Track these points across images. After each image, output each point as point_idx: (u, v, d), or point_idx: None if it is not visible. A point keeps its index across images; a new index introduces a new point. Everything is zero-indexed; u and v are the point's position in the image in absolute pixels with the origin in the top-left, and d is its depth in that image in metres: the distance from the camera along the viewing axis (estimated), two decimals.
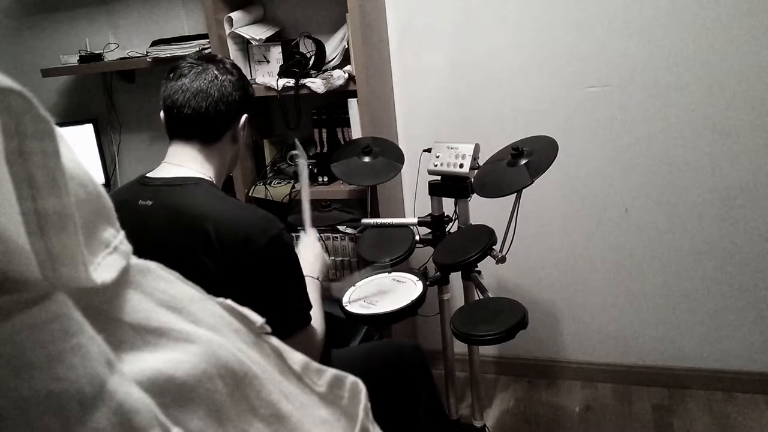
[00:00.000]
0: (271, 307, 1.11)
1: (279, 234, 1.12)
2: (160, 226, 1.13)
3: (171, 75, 1.21)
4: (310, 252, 1.40)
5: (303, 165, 1.45)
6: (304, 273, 1.22)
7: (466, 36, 1.97)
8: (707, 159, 1.87)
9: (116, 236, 0.28)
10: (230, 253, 1.08)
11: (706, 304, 2.00)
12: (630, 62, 1.85)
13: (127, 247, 0.28)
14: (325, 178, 1.97)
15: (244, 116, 1.27)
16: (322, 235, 1.65)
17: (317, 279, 1.36)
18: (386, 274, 1.54)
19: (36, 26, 2.43)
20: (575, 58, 1.89)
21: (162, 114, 1.24)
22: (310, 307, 1.20)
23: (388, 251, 1.61)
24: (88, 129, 2.37)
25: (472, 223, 1.62)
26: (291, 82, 1.85)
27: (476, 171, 1.53)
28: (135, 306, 0.27)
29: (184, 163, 1.21)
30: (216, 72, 1.21)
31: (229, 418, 0.28)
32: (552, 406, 2.08)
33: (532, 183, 1.35)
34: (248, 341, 0.33)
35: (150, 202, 1.15)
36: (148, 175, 1.21)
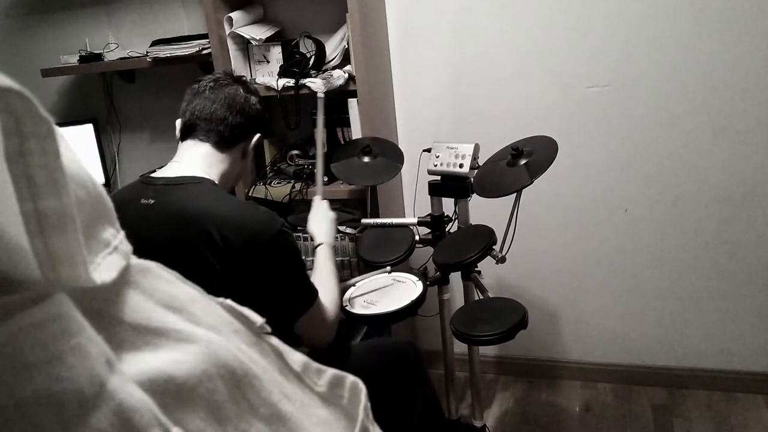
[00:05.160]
0: (278, 296, 1.16)
1: (281, 229, 1.16)
2: (162, 224, 1.14)
3: (198, 89, 1.27)
4: (323, 218, 1.48)
5: (320, 102, 1.54)
6: (321, 241, 1.41)
7: (466, 36, 1.97)
8: (707, 159, 1.87)
9: (116, 236, 0.28)
10: (235, 252, 1.10)
11: (706, 304, 2.00)
12: (630, 62, 1.85)
13: (127, 247, 0.28)
14: (325, 178, 1.96)
15: (257, 135, 1.33)
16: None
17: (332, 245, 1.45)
18: (386, 274, 1.54)
19: (36, 26, 2.43)
20: (575, 58, 1.89)
21: (179, 122, 1.29)
22: (313, 287, 1.24)
23: (388, 251, 1.61)
24: (88, 129, 2.37)
25: (472, 223, 1.62)
26: (291, 82, 1.85)
27: (476, 171, 1.53)
28: (135, 306, 0.27)
29: (190, 161, 1.23)
30: (241, 89, 1.29)
31: (229, 418, 0.28)
32: (552, 406, 2.08)
33: (531, 183, 1.35)
34: (248, 341, 0.33)
35: (152, 201, 1.17)
36: (152, 174, 1.23)
